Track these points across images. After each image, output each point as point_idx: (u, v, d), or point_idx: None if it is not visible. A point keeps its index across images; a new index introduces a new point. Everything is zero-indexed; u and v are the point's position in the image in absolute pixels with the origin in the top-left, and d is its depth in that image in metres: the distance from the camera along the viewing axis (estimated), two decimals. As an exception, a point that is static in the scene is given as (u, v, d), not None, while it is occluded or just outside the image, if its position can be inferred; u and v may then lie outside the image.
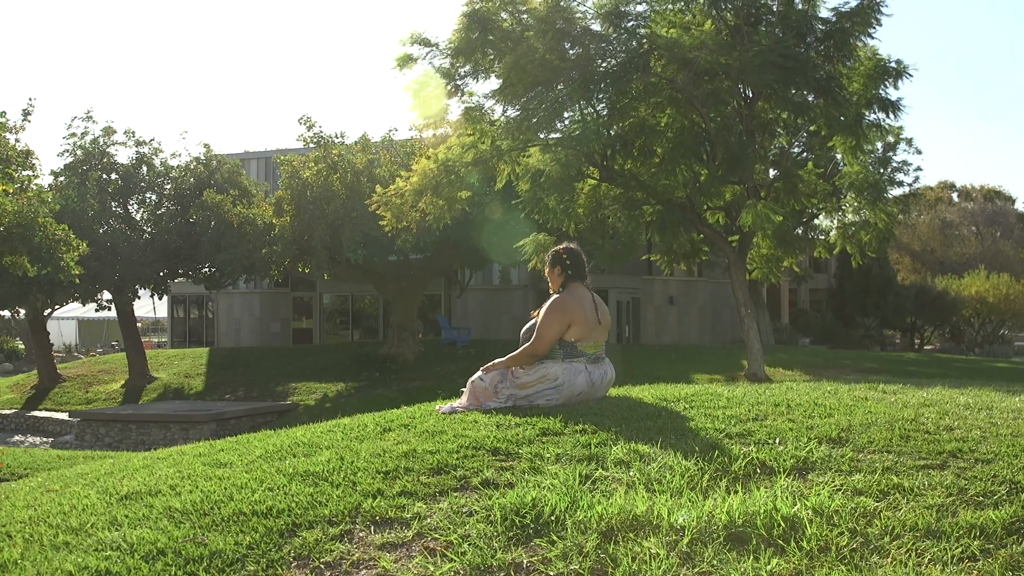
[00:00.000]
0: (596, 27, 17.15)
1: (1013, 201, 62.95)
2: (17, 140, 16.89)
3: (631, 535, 3.24)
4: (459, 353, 29.63)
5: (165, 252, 29.88)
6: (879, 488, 3.62)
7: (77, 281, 19.21)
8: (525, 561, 3.14)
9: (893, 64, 16.85)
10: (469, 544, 3.29)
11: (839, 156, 19.67)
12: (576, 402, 6.00)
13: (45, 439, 25.07)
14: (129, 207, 31.41)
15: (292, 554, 3.37)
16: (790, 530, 3.19)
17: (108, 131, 30.63)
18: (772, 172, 19.25)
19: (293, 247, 27.45)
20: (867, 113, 17.16)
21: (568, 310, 6.08)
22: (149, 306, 48.66)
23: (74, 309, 47.26)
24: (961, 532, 3.15)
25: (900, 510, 3.37)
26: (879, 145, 21.42)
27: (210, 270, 31.18)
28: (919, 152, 58.87)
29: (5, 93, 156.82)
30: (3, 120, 16.79)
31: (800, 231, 27.03)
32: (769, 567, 2.94)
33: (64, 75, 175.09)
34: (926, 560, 2.97)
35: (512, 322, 33.68)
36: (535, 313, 6.26)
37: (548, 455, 4.37)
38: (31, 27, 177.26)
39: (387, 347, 31.13)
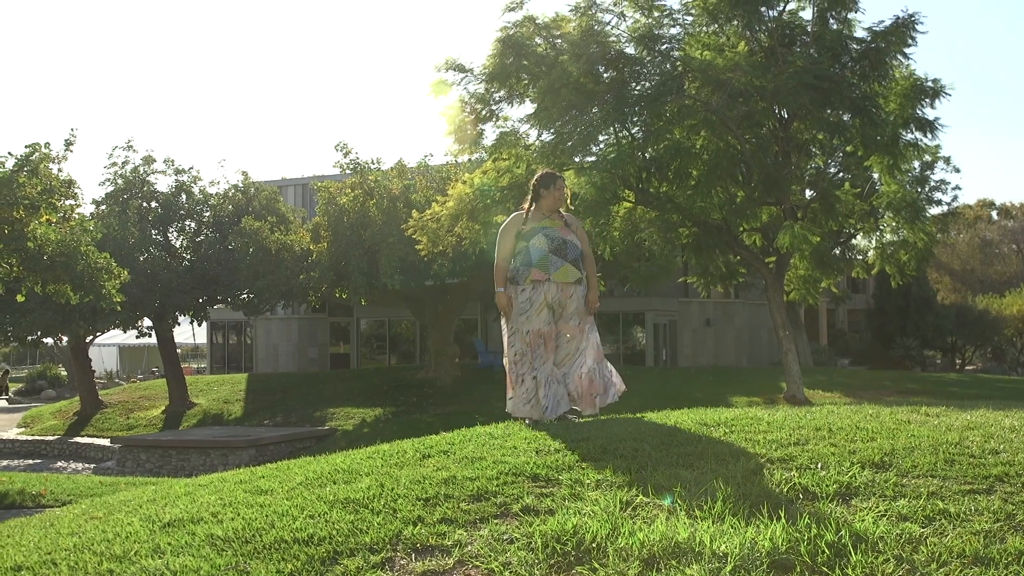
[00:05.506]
0: (630, 50, 17.17)
1: (1054, 219, 61.97)
2: (60, 170, 17.10)
3: (673, 562, 3.22)
4: (496, 377, 29.56)
5: (204, 279, 30.21)
6: (924, 514, 3.57)
7: (119, 308, 19.43)
8: (567, 589, 3.13)
9: (930, 83, 16.68)
10: (510, 572, 3.28)
11: (876, 176, 19.50)
12: None
13: (87, 465, 25.36)
14: (169, 234, 31.84)
15: (334, 582, 3.38)
16: (835, 557, 3.15)
17: (148, 160, 31.08)
18: (809, 193, 19.11)
19: (330, 273, 27.66)
20: (904, 133, 17.00)
21: None
22: (189, 332, 49.11)
23: (115, 336, 47.85)
24: (1010, 559, 3.10)
25: (946, 536, 3.32)
26: (916, 164, 21.20)
27: (248, 296, 31.44)
28: (957, 171, 57.81)
29: (48, 124, 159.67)
30: (47, 151, 17.04)
31: (838, 251, 26.77)
32: (814, 595, 2.91)
33: (105, 105, 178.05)
34: (974, 588, 2.92)
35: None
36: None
37: (588, 481, 4.35)
38: (73, 59, 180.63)
39: (424, 371, 31.22)
